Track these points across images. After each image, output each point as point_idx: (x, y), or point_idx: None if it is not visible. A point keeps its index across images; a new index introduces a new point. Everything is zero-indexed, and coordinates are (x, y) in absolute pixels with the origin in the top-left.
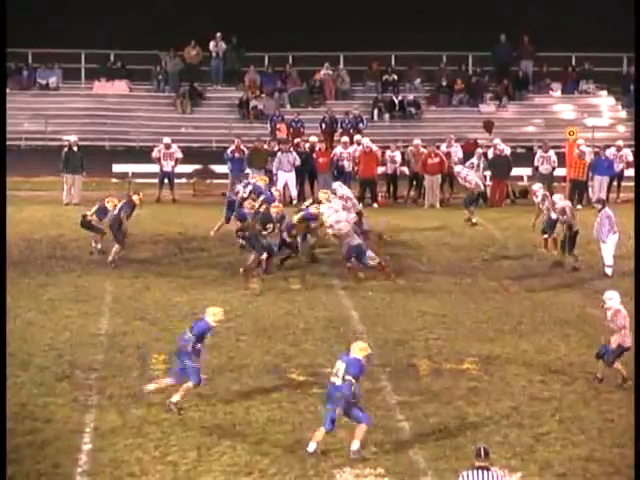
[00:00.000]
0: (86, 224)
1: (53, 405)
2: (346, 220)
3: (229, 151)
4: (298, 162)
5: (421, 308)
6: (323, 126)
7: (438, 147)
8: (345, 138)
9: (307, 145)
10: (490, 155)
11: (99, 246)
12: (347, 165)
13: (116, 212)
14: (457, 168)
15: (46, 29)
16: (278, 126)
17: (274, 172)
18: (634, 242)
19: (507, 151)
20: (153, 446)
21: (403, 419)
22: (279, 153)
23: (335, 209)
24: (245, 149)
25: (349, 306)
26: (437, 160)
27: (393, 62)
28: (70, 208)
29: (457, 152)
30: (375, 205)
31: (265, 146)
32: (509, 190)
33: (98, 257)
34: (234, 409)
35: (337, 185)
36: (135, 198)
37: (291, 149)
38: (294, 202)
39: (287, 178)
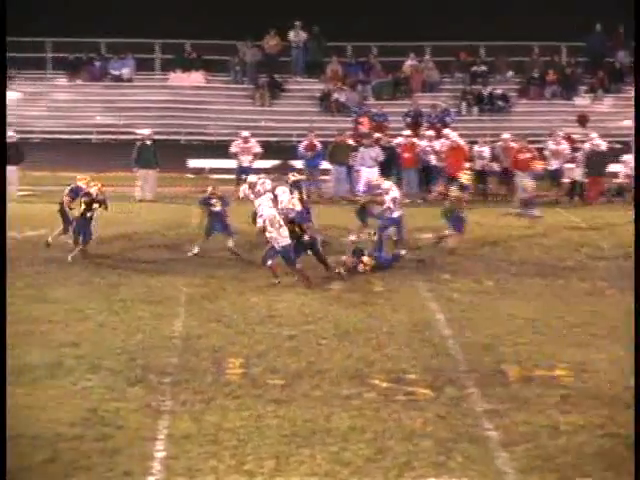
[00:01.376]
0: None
1: (125, 410)
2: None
3: (302, 147)
4: (381, 157)
5: (510, 311)
6: (408, 119)
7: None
8: (431, 132)
9: (395, 140)
10: (586, 150)
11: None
12: (433, 160)
13: (219, 209)
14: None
15: (119, 18)
16: (360, 119)
17: (356, 168)
18: (634, 242)
19: (603, 146)
20: (229, 454)
21: (491, 428)
22: (361, 148)
23: (269, 204)
24: (319, 144)
25: (434, 309)
26: (528, 155)
27: (482, 53)
28: (144, 204)
29: (565, 149)
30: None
31: (350, 141)
32: (604, 188)
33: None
34: (314, 416)
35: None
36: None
37: (374, 143)
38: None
39: (369, 174)
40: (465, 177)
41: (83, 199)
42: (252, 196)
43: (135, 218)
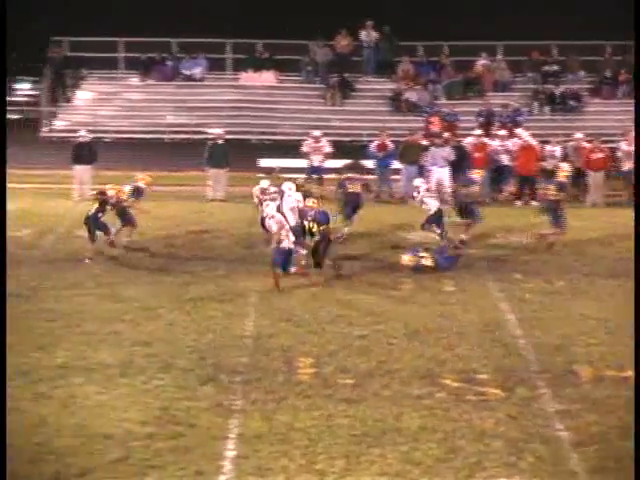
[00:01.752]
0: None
1: (196, 409)
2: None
3: (373, 146)
4: (452, 157)
5: (582, 312)
6: (480, 119)
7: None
8: (503, 131)
9: (465, 140)
10: None
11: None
12: (505, 160)
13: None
14: None
15: (191, 18)
16: (431, 119)
17: (427, 168)
18: (634, 242)
19: None
20: (299, 454)
21: (562, 428)
22: (432, 147)
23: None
24: (391, 144)
25: (505, 309)
26: (601, 155)
27: (554, 52)
28: (215, 204)
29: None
30: (534, 203)
31: (421, 140)
32: None
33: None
34: (384, 416)
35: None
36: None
37: (445, 143)
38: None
39: (441, 174)
40: (562, 174)
41: (98, 197)
42: (267, 198)
43: (206, 217)
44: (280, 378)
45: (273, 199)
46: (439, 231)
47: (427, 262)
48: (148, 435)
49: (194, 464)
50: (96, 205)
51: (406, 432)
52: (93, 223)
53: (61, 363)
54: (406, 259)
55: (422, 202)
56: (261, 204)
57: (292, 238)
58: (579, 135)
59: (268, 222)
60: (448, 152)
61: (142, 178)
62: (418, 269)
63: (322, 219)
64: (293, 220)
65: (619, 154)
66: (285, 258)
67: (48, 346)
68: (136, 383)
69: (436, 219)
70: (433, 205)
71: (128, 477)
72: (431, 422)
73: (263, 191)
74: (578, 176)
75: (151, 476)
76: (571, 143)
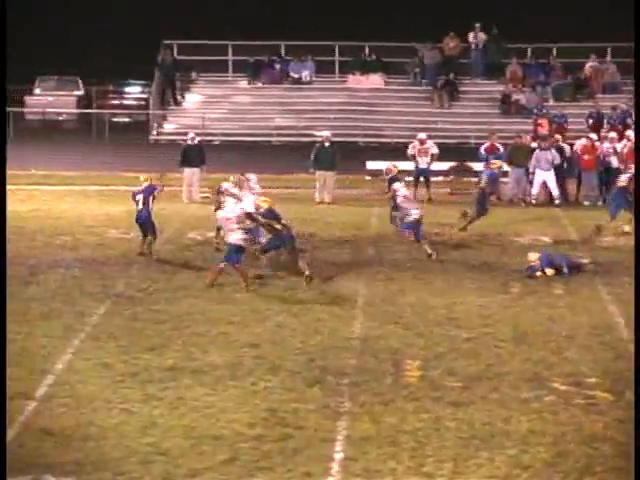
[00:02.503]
0: None
1: (304, 411)
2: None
3: (483, 149)
4: (558, 160)
5: None
6: (590, 121)
7: None
8: (612, 134)
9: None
10: None
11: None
12: (615, 162)
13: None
14: None
15: (299, 20)
16: (540, 121)
17: (531, 170)
18: (634, 243)
19: None
20: (407, 456)
21: None
22: (537, 150)
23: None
24: (501, 146)
25: (614, 312)
26: None
27: None
28: (323, 207)
29: None
30: None
31: (530, 143)
32: None
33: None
34: (492, 419)
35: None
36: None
37: (551, 146)
38: (557, 202)
39: (545, 177)
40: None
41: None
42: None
43: (314, 220)
44: (388, 380)
45: (234, 198)
46: (413, 238)
47: (548, 273)
48: (256, 437)
49: (302, 466)
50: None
51: (514, 435)
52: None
53: (171, 365)
54: (532, 257)
55: (399, 207)
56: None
57: (245, 235)
58: None
59: (224, 220)
60: (553, 155)
61: (145, 179)
62: (534, 271)
63: (270, 217)
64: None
65: None
66: (236, 253)
67: (158, 348)
68: (244, 385)
69: (412, 225)
70: (413, 212)
71: (237, 478)
72: (540, 425)
73: (222, 191)
74: None
75: (259, 477)
76: None
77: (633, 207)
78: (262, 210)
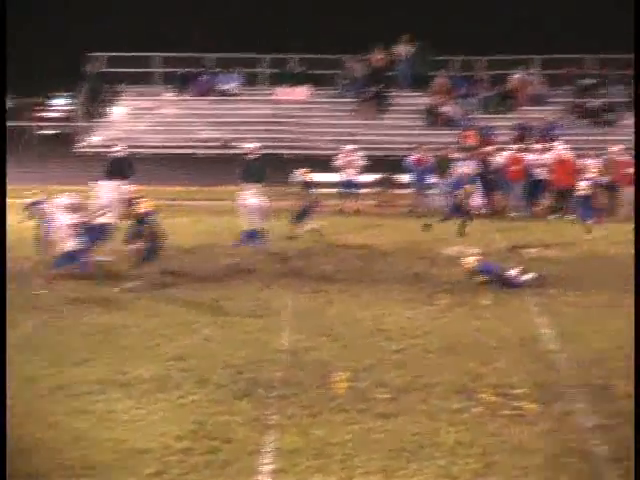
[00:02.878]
0: None
1: (232, 424)
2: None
3: (410, 160)
4: (481, 171)
5: (619, 325)
6: (515, 133)
7: None
8: (539, 145)
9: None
10: None
11: None
12: (540, 174)
13: None
14: None
15: (226, 33)
16: (466, 133)
17: (423, 181)
18: (634, 245)
19: None
20: (337, 468)
21: (599, 443)
22: (458, 162)
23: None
24: (429, 158)
25: (542, 323)
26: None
27: (591, 65)
28: None
29: None
30: (570, 217)
31: (455, 155)
32: None
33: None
34: (421, 430)
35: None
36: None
37: (473, 157)
38: (481, 211)
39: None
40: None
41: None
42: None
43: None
44: (316, 392)
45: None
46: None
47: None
48: (184, 450)
49: (230, 479)
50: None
51: (443, 447)
52: None
53: (99, 378)
54: (470, 260)
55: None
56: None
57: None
58: (615, 148)
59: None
60: (474, 166)
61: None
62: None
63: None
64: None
65: None
66: (66, 260)
67: (86, 361)
68: (172, 398)
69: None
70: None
71: None
72: (468, 437)
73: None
74: (610, 190)
75: None
76: (605, 157)
77: (597, 214)
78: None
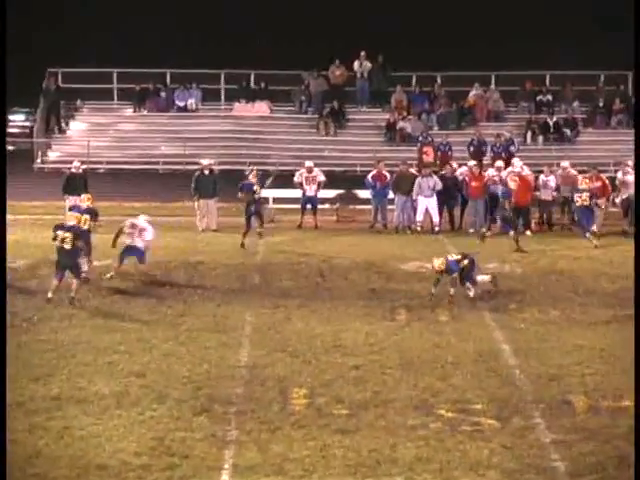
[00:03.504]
0: None
1: (191, 440)
2: None
3: (370, 177)
4: (439, 186)
5: (577, 341)
6: (471, 149)
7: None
8: (499, 162)
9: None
10: None
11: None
12: (499, 190)
13: None
14: None
15: (185, 49)
16: (425, 149)
17: (414, 197)
18: (634, 248)
19: None
20: None
21: (558, 459)
22: (419, 178)
23: None
24: (388, 174)
25: (500, 339)
26: (598, 184)
27: (548, 82)
28: (209, 234)
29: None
30: (528, 233)
31: (413, 170)
32: None
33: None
34: (379, 446)
35: None
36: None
37: (432, 173)
38: (436, 229)
39: (427, 203)
40: None
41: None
42: None
43: (200, 248)
44: (275, 408)
45: None
46: None
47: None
48: (143, 466)
49: None
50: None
51: (401, 462)
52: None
53: (56, 394)
54: (437, 263)
55: None
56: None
57: None
58: (566, 164)
59: None
60: (434, 182)
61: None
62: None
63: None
64: None
65: (616, 183)
66: None
67: (44, 377)
68: (131, 414)
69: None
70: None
71: None
72: (426, 452)
73: None
74: (565, 204)
75: None
76: (559, 172)
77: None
78: None
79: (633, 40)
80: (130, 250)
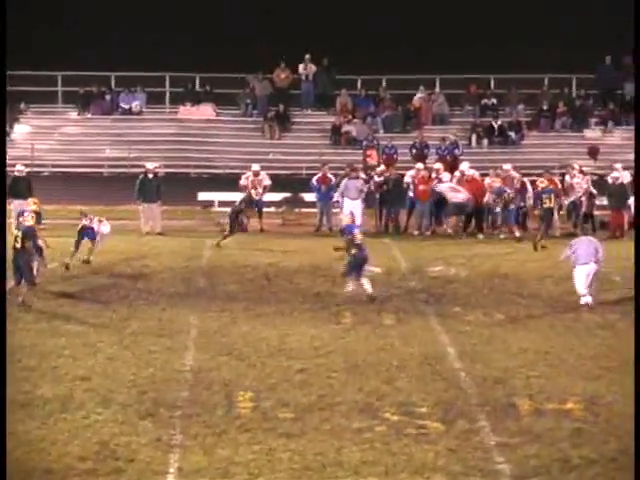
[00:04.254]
0: None
1: (136, 444)
2: None
3: (315, 180)
4: (365, 189)
5: (521, 344)
6: (413, 151)
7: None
8: (438, 165)
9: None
10: (609, 182)
11: None
12: (446, 193)
13: None
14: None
15: (129, 52)
16: (369, 152)
17: (335, 198)
18: (634, 251)
19: (626, 179)
20: None
21: (502, 461)
22: (345, 179)
23: None
24: (333, 177)
25: (445, 342)
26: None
27: (492, 85)
28: (154, 238)
29: (581, 183)
30: (481, 236)
31: (361, 174)
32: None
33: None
34: (325, 450)
35: None
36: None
37: (359, 175)
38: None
39: (353, 206)
40: None
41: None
42: None
43: (145, 252)
44: (220, 412)
45: None
46: None
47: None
48: (88, 470)
49: None
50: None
51: (347, 466)
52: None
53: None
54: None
55: None
56: None
57: None
58: (507, 166)
59: None
60: (361, 184)
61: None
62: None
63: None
64: None
65: (565, 186)
66: None
67: None
68: (76, 418)
69: None
70: None
71: None
72: (372, 455)
73: None
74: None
75: None
76: (500, 173)
77: None
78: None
79: (633, 37)
80: (85, 230)
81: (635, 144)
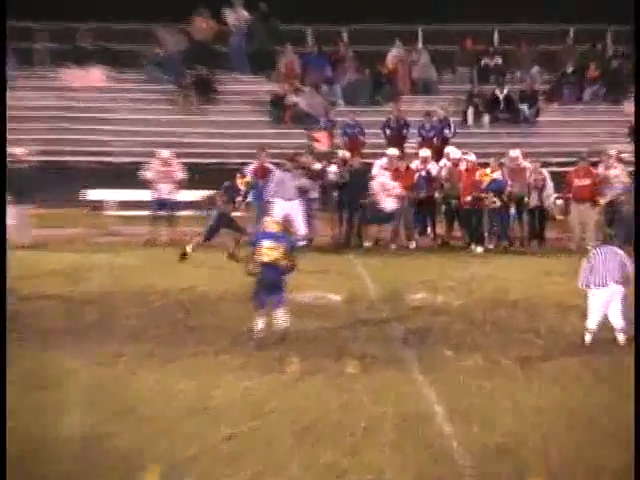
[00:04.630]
0: None
1: None
2: None
3: (249, 171)
4: (309, 187)
5: (536, 401)
6: (387, 132)
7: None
8: (424, 151)
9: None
10: None
11: None
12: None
13: None
14: None
15: None
16: (317, 134)
17: (265, 198)
18: (634, 254)
19: None
20: None
21: None
22: (277, 172)
23: None
24: (273, 167)
25: (431, 398)
26: (587, 182)
27: (496, 39)
28: (22, 252)
29: (620, 175)
30: (479, 249)
31: (318, 165)
32: None
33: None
34: None
35: None
36: None
37: (297, 168)
38: (302, 243)
39: (288, 208)
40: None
41: None
42: None
43: (13, 272)
44: None
45: None
46: None
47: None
48: None
49: None
50: None
51: None
52: None
53: None
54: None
55: None
56: None
57: None
58: (515, 153)
59: None
60: (302, 180)
61: None
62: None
63: None
64: None
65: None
66: None
67: None
68: None
69: None
70: None
71: None
72: None
73: None
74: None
75: None
76: (507, 163)
77: None
78: None
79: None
80: None
81: (635, 141)
